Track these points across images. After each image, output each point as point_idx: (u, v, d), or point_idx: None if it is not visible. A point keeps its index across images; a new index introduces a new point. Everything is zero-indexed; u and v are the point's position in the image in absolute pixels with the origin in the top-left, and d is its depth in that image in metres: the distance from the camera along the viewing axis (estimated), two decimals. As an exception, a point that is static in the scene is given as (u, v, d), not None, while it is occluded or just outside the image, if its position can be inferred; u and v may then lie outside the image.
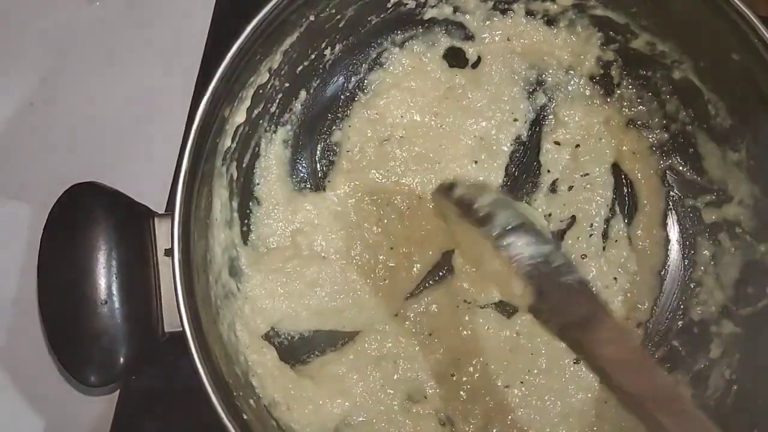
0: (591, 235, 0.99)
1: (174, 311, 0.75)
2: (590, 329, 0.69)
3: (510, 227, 0.72)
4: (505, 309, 0.97)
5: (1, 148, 0.99)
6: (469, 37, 1.00)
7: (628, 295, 0.98)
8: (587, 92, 1.00)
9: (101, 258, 0.76)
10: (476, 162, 0.99)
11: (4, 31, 1.02)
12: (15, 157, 0.99)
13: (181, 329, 0.75)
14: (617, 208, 1.00)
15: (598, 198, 1.00)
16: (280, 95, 0.94)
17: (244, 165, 0.92)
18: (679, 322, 0.96)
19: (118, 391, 0.92)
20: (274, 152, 0.96)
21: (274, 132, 0.96)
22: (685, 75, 0.93)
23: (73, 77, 1.01)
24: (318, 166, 1.00)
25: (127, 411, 0.92)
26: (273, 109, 0.94)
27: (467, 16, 0.99)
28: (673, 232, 0.99)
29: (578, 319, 0.70)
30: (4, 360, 0.94)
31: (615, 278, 0.98)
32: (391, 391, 0.93)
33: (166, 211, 0.82)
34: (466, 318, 0.96)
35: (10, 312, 0.94)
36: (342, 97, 1.00)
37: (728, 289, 0.93)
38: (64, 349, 0.76)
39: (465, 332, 0.96)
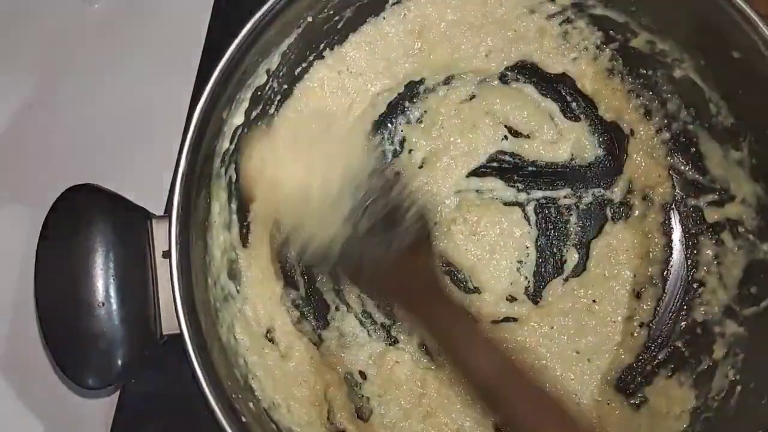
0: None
1: (172, 314, 0.75)
2: None
3: None
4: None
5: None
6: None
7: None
8: (587, 91, 1.00)
9: (98, 260, 0.75)
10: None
11: (2, 33, 1.02)
12: (13, 160, 0.99)
13: (179, 332, 0.75)
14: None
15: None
16: (278, 97, 0.93)
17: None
18: (682, 323, 0.96)
19: (117, 394, 0.92)
20: (272, 154, 0.95)
21: (273, 134, 0.95)
22: (685, 74, 0.92)
23: (72, 79, 1.01)
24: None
25: (126, 414, 0.92)
26: (271, 111, 0.93)
27: (465, 17, 0.99)
28: (676, 232, 0.98)
29: None
30: (3, 363, 0.94)
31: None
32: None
33: (164, 214, 0.82)
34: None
35: (8, 315, 0.94)
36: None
37: (731, 289, 0.92)
38: (61, 351, 0.75)
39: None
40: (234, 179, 0.89)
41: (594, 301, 0.97)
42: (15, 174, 0.98)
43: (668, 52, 0.92)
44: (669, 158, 0.98)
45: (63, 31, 1.02)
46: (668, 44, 0.92)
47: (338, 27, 0.93)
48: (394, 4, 0.95)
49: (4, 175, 0.98)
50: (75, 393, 0.92)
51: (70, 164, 0.98)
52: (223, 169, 0.87)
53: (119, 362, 0.76)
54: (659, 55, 0.93)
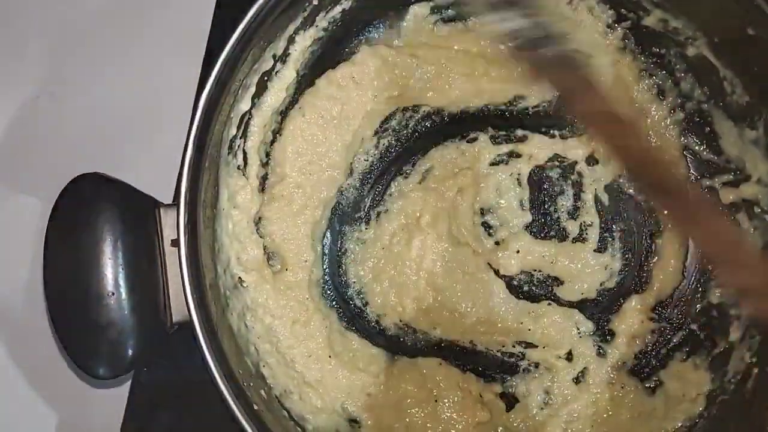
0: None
1: (182, 302, 0.75)
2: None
3: None
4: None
5: (8, 143, 0.99)
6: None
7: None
8: (599, 72, 0.98)
9: (107, 249, 0.75)
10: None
11: (7, 25, 1.02)
12: (22, 151, 0.99)
13: (189, 320, 0.75)
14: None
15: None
16: (285, 82, 0.93)
17: (250, 153, 0.91)
18: (698, 305, 0.95)
19: (129, 384, 0.92)
20: (280, 140, 0.95)
21: (280, 119, 0.95)
22: (699, 52, 0.91)
23: (78, 69, 1.01)
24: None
25: (139, 403, 0.92)
26: (279, 96, 0.93)
27: None
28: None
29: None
30: (17, 354, 0.94)
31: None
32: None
33: (172, 202, 0.81)
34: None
35: (21, 306, 0.94)
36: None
37: (747, 270, 0.91)
38: (72, 342, 0.75)
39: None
40: (242, 166, 0.89)
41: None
42: (23, 165, 0.98)
43: (681, 30, 0.91)
44: (683, 138, 0.97)
45: (68, 21, 1.02)
46: (681, 22, 0.90)
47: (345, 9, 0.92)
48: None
49: (13, 166, 0.98)
50: (87, 383, 0.93)
51: (78, 154, 0.97)
52: (231, 156, 0.86)
53: (130, 351, 0.76)
54: (672, 33, 0.92)
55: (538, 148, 0.98)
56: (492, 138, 0.98)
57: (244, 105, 0.86)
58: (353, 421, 0.90)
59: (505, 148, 0.98)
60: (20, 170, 0.98)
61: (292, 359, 0.89)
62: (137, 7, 1.03)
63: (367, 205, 0.97)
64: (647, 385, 0.93)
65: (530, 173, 0.98)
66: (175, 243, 0.75)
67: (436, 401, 0.91)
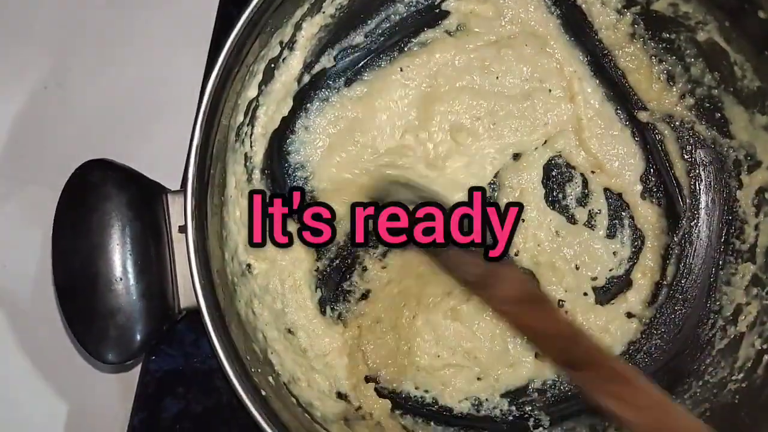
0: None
1: (190, 288, 0.75)
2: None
3: None
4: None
5: (17, 132, 0.99)
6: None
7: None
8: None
9: (114, 235, 0.75)
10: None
11: (15, 15, 1.02)
12: (31, 141, 0.99)
13: (197, 306, 0.75)
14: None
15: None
16: (292, 69, 0.92)
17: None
18: (709, 292, 0.94)
19: (138, 370, 0.93)
20: (288, 127, 0.94)
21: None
22: (709, 36, 0.90)
23: (85, 58, 1.00)
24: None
25: (147, 390, 0.92)
26: (286, 84, 0.93)
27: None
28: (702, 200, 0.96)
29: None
30: (26, 341, 0.94)
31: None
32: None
33: (179, 188, 0.81)
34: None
35: (29, 292, 0.95)
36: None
37: (759, 258, 0.90)
38: (80, 327, 0.76)
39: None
40: (249, 154, 0.89)
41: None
42: (33, 155, 0.98)
43: (691, 15, 0.90)
44: (695, 125, 0.96)
45: (75, 10, 1.01)
46: (691, 6, 0.89)
47: (351, -5, 0.92)
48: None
49: (23, 156, 0.99)
50: (96, 369, 0.93)
51: (86, 141, 0.97)
52: (238, 143, 0.86)
53: (138, 336, 0.76)
54: (682, 18, 0.91)
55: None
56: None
57: (251, 92, 0.86)
58: (361, 408, 0.90)
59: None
60: (29, 158, 0.99)
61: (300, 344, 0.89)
62: (143, -4, 1.03)
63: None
64: (657, 373, 0.93)
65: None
66: (183, 229, 0.75)
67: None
